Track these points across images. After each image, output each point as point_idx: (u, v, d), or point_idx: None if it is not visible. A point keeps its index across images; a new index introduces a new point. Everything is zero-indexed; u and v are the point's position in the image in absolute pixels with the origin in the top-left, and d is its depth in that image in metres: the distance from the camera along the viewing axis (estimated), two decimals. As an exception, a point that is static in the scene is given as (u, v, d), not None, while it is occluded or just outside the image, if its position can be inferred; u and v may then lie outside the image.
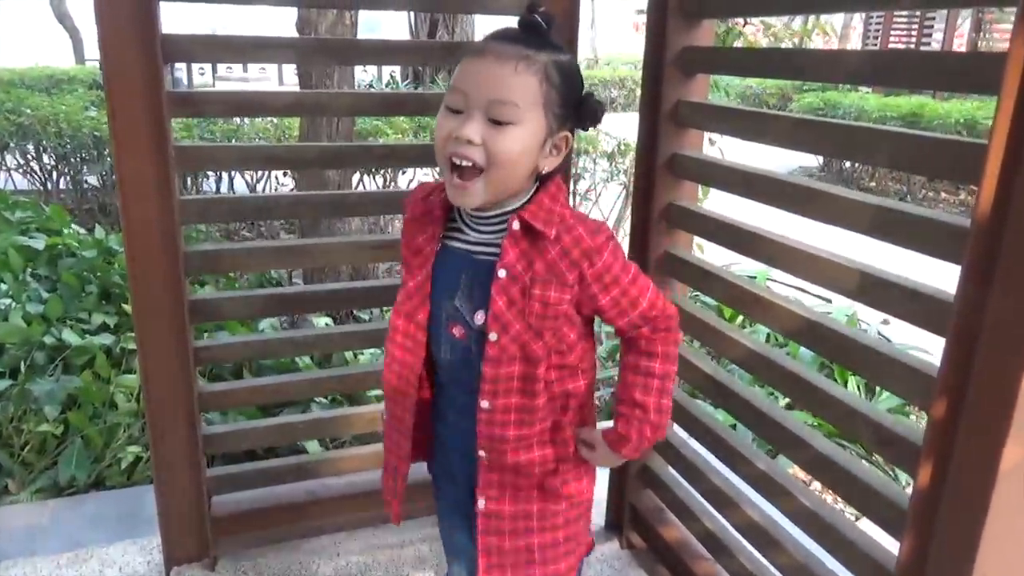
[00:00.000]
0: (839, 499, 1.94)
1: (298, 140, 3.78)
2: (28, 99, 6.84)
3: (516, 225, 1.07)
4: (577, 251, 1.07)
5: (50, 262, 3.56)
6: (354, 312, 3.38)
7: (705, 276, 1.70)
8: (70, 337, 2.81)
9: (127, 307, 3.08)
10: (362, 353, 2.91)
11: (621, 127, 5.95)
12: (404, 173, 5.49)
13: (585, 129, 1.12)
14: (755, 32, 4.20)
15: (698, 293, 2.41)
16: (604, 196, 5.57)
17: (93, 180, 6.06)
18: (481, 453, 1.15)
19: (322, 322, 3.21)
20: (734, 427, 2.64)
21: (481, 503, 1.17)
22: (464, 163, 1.02)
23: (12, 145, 6.29)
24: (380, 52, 1.89)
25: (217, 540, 1.95)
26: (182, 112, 1.69)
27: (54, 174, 6.38)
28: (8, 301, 2.87)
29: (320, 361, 2.70)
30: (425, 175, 5.74)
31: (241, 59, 1.77)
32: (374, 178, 5.49)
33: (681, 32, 1.72)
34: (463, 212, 1.14)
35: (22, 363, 2.67)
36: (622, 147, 5.22)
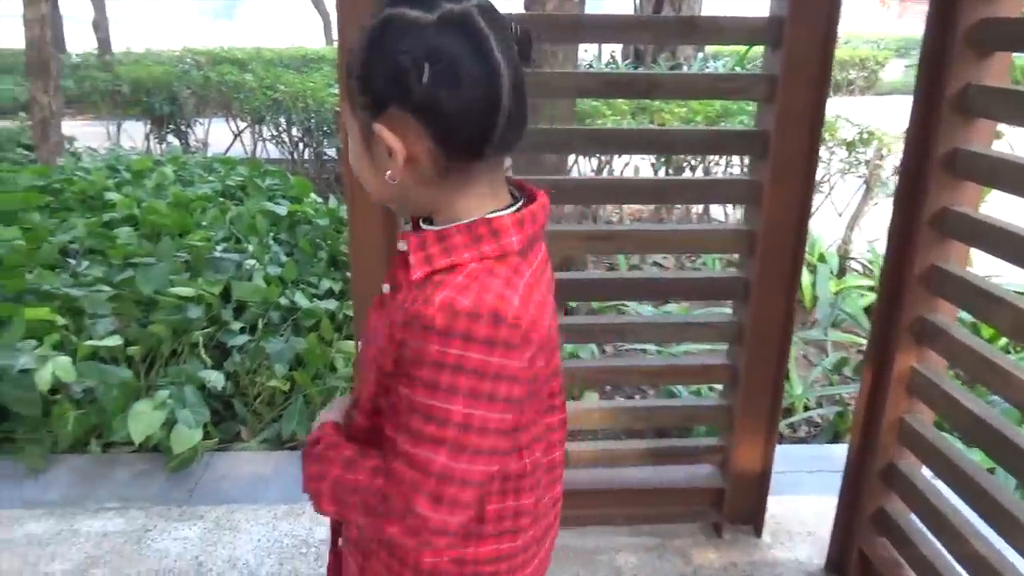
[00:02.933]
0: None
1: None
2: (283, 76, 7.55)
3: (402, 245, 0.80)
4: (416, 309, 0.73)
5: (290, 228, 3.87)
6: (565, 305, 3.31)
7: (984, 298, 1.41)
8: (301, 300, 3.02)
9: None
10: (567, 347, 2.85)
11: (862, 112, 5.37)
12: (620, 157, 5.34)
13: (422, 104, 0.71)
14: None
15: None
16: (840, 189, 5.07)
17: (332, 152, 6.56)
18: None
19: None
20: (992, 471, 2.24)
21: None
22: None
23: (268, 118, 6.98)
24: (616, 29, 1.77)
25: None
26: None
27: (300, 145, 7.01)
28: (252, 262, 3.14)
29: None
30: (643, 160, 5.58)
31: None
32: (589, 161, 5.41)
33: (977, 2, 1.42)
34: None
35: (259, 321, 2.91)
36: (864, 136, 4.70)
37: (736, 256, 2.02)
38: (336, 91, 6.44)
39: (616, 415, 1.97)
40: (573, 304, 3.35)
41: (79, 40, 15.48)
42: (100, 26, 13.55)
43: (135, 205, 4.03)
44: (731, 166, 5.33)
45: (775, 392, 1.89)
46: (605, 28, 1.78)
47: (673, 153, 4.26)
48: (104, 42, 13.52)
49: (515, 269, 0.76)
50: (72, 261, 3.09)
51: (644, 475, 2.04)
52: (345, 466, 0.81)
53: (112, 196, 4.21)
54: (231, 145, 7.78)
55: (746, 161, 5.08)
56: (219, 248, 3.23)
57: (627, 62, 12.18)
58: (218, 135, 7.95)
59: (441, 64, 0.70)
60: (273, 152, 7.37)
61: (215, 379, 2.50)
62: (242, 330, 2.86)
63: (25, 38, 5.82)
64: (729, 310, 1.99)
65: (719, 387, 2.47)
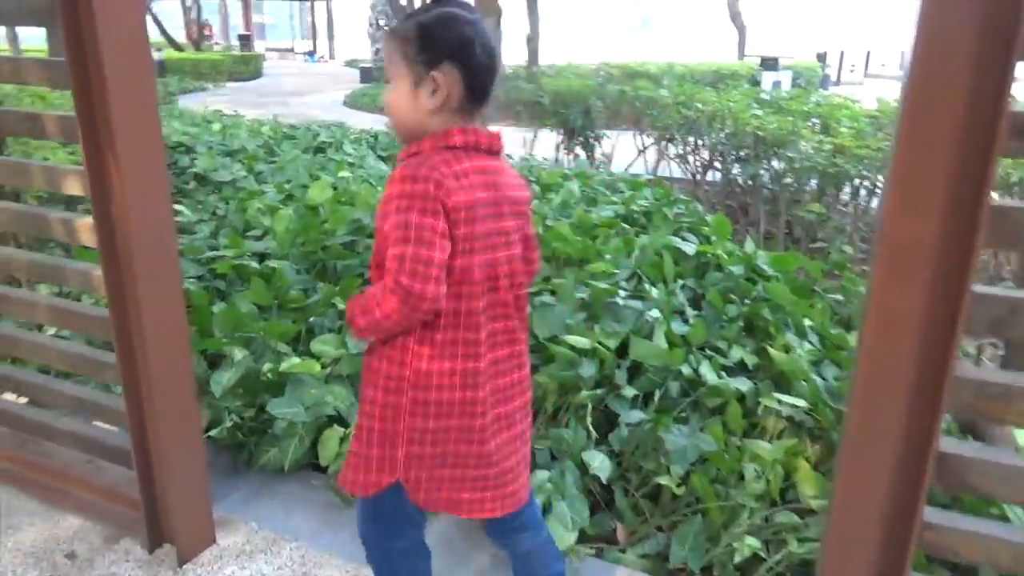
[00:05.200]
0: None
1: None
2: (699, 93, 7.10)
3: (400, 155, 1.30)
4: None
5: (697, 273, 3.34)
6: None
7: None
8: (707, 373, 2.45)
9: (771, 349, 2.60)
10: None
11: None
12: None
13: (465, 63, 1.25)
14: None
15: None
16: None
17: (742, 180, 5.90)
18: None
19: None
20: None
21: None
22: None
23: (677, 136, 6.59)
24: None
25: None
26: (1021, 148, 0.98)
27: (705, 168, 6.49)
28: (656, 314, 2.66)
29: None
30: None
31: None
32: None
33: None
34: None
35: (656, 391, 2.42)
36: None
37: None
38: (758, 112, 5.76)
39: None
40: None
41: (513, 53, 17.07)
42: (532, 40, 14.69)
43: (541, 223, 3.87)
44: None
45: None
46: None
47: None
48: (533, 55, 14.64)
49: (455, 156, 1.25)
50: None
51: None
52: (363, 294, 1.29)
53: (522, 211, 4.12)
54: (634, 161, 7.59)
55: None
56: (623, 292, 2.81)
57: None
58: (623, 149, 7.83)
59: (480, 41, 1.26)
60: (675, 172, 6.98)
61: (600, 466, 2.05)
62: (634, 399, 2.39)
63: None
64: None
65: None
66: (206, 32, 27.16)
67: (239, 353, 2.41)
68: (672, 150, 6.91)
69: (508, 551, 1.54)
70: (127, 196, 1.59)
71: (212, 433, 2.23)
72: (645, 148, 7.47)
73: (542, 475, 1.97)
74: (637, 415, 2.28)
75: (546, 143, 8.21)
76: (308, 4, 34.31)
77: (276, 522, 2.08)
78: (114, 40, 1.51)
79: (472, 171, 1.23)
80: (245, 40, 27.65)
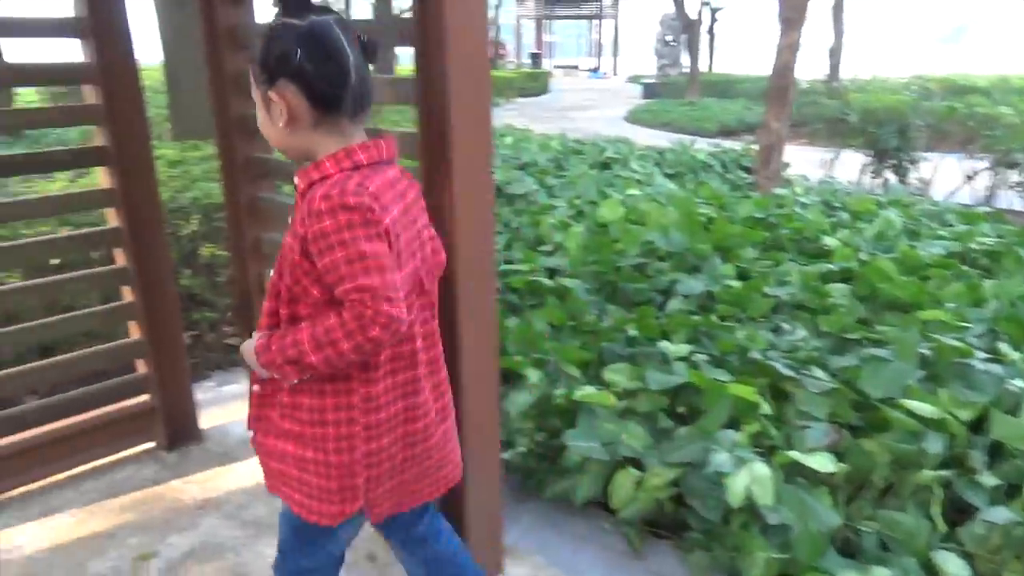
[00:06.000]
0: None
1: None
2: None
3: (296, 180, 1.24)
4: (306, 208, 1.14)
5: (1070, 330, 2.68)
6: None
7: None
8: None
9: None
10: None
11: None
12: None
13: (296, 75, 1.16)
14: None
15: None
16: None
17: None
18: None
19: None
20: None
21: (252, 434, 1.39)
22: None
23: (1023, 162, 5.57)
24: None
25: None
26: None
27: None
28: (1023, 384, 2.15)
29: None
30: None
31: None
32: None
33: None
34: None
35: (1026, 483, 1.93)
36: None
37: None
38: None
39: None
40: None
41: (811, 66, 15.91)
42: (835, 53, 13.55)
43: (854, 257, 3.41)
44: None
45: None
46: None
47: None
48: (835, 68, 13.49)
49: (365, 176, 1.18)
50: (785, 326, 2.61)
51: None
52: (309, 327, 1.18)
53: (828, 241, 3.68)
54: (959, 188, 6.57)
55: None
56: (980, 354, 2.32)
57: None
58: (943, 174, 6.83)
59: (308, 50, 1.15)
60: (1015, 203, 5.91)
61: (956, 572, 1.66)
62: (995, 489, 1.93)
63: (774, 65, 5.80)
64: None
65: None
66: (501, 52, 29.10)
67: (535, 375, 2.37)
68: (1013, 177, 5.86)
69: (410, 560, 1.55)
70: (456, 220, 1.58)
71: (505, 455, 2.20)
72: (975, 174, 6.43)
73: (880, 573, 1.63)
74: (1002, 513, 1.83)
75: (848, 165, 7.43)
76: (595, 22, 35.30)
77: (563, 560, 1.97)
78: (460, 60, 1.50)
79: (384, 188, 1.20)
80: (535, 58, 29.16)
